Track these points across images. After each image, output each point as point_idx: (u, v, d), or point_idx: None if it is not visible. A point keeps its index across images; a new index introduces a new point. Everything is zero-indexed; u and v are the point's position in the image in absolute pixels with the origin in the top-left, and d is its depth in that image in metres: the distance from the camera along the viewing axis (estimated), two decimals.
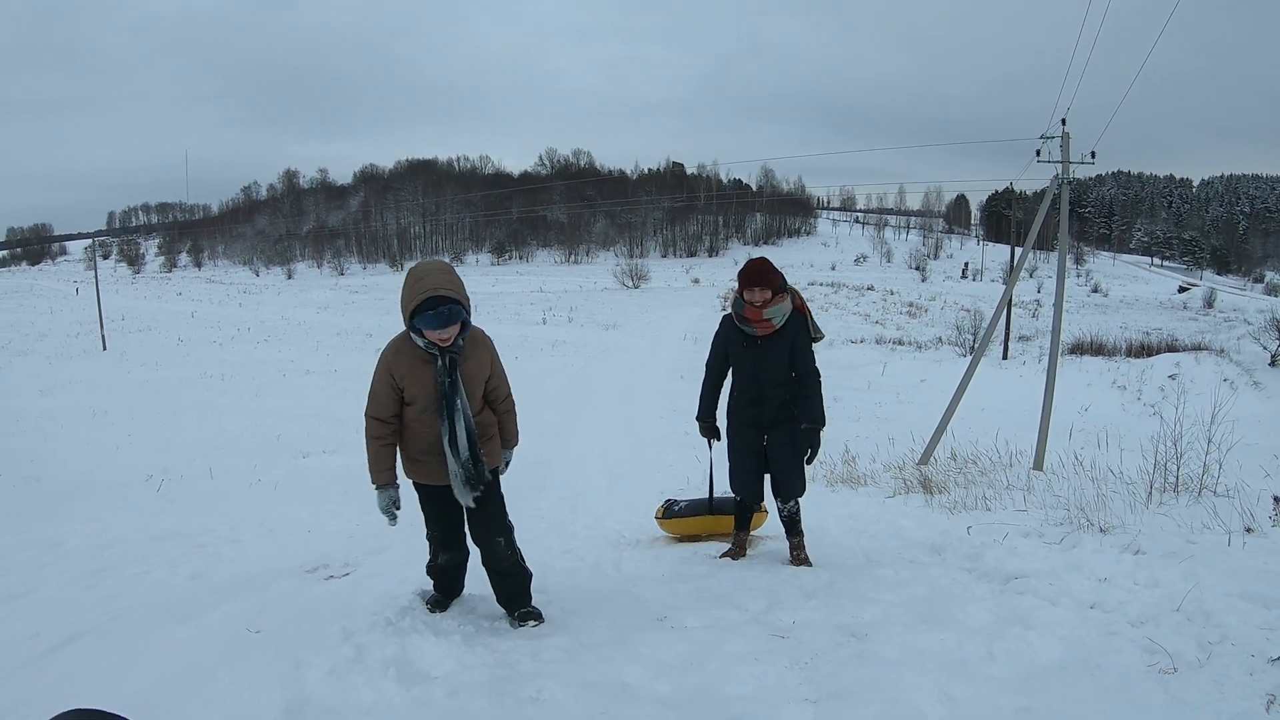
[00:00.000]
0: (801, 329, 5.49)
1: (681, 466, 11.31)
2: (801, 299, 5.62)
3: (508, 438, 4.68)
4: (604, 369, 28.80)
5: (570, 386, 24.39)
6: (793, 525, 5.79)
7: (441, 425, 4.22)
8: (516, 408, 4.70)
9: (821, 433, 5.52)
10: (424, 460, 4.38)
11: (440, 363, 4.17)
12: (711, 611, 4.42)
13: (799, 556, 5.74)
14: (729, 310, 5.70)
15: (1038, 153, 15.45)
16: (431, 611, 4.53)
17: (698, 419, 5.86)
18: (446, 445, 4.23)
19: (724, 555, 5.99)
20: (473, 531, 4.50)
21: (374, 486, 4.31)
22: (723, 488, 6.21)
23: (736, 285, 5.56)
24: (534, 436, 14.89)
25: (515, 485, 10.06)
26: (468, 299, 4.16)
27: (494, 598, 4.63)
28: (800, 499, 5.76)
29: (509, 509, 4.57)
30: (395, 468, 4.35)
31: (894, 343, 40.15)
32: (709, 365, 5.77)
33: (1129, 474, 6.72)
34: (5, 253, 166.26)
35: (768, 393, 5.51)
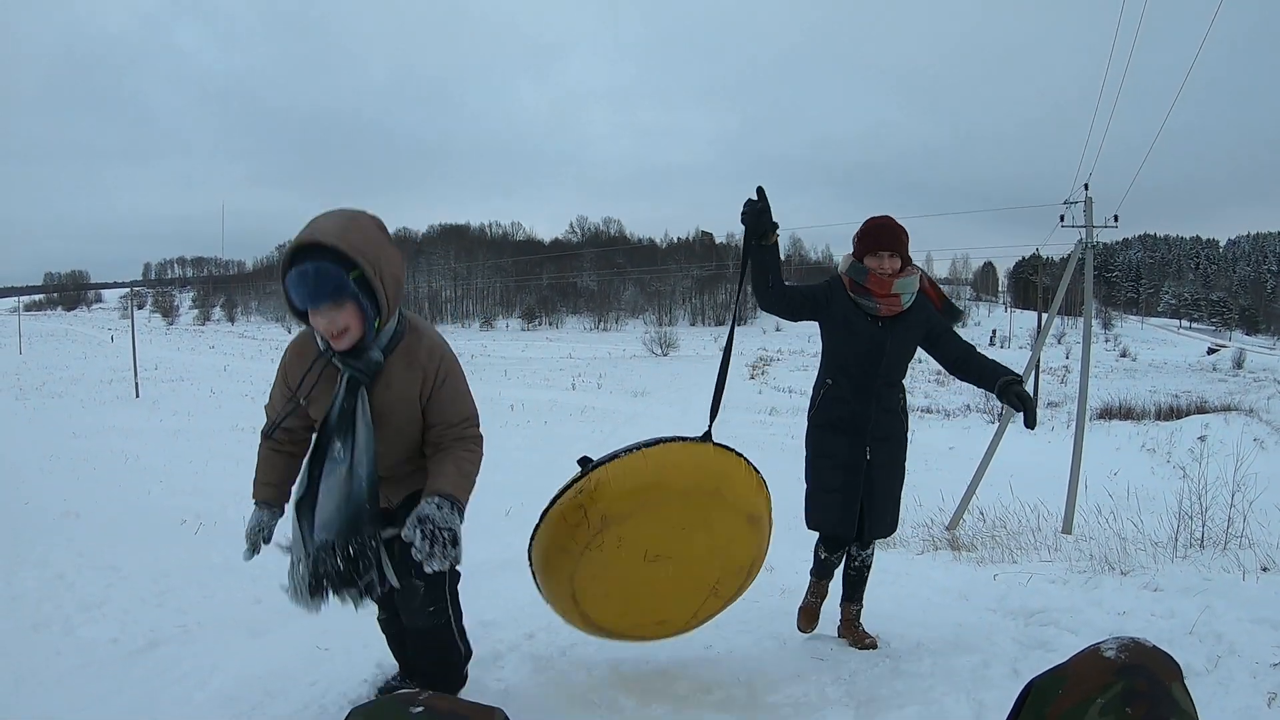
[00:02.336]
0: (933, 313, 4.27)
1: None
2: (929, 279, 4.38)
3: (439, 481, 2.87)
4: (633, 435, 28.65)
5: (598, 452, 24.45)
6: (860, 581, 4.54)
7: (310, 465, 2.97)
8: (482, 450, 3.10)
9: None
10: None
11: (340, 379, 2.88)
12: (753, 639, 4.62)
13: (858, 631, 4.52)
14: (841, 273, 4.28)
15: (1061, 218, 15.73)
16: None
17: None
18: (294, 510, 2.99)
19: (801, 623, 4.59)
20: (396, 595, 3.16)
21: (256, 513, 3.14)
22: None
23: (852, 249, 4.27)
24: None
25: None
26: (381, 263, 2.77)
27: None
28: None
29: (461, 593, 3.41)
30: (288, 486, 3.12)
31: (922, 411, 40.20)
32: (789, 286, 4.21)
33: (1156, 534, 6.84)
34: (42, 296, 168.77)
35: (879, 388, 4.21)
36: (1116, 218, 16.16)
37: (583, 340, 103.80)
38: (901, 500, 4.39)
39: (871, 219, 4.23)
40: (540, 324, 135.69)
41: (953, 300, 4.45)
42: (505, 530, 10.81)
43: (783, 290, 4.10)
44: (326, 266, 2.64)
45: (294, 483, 3.06)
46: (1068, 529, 10.23)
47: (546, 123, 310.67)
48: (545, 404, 37.15)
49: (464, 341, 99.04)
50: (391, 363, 2.90)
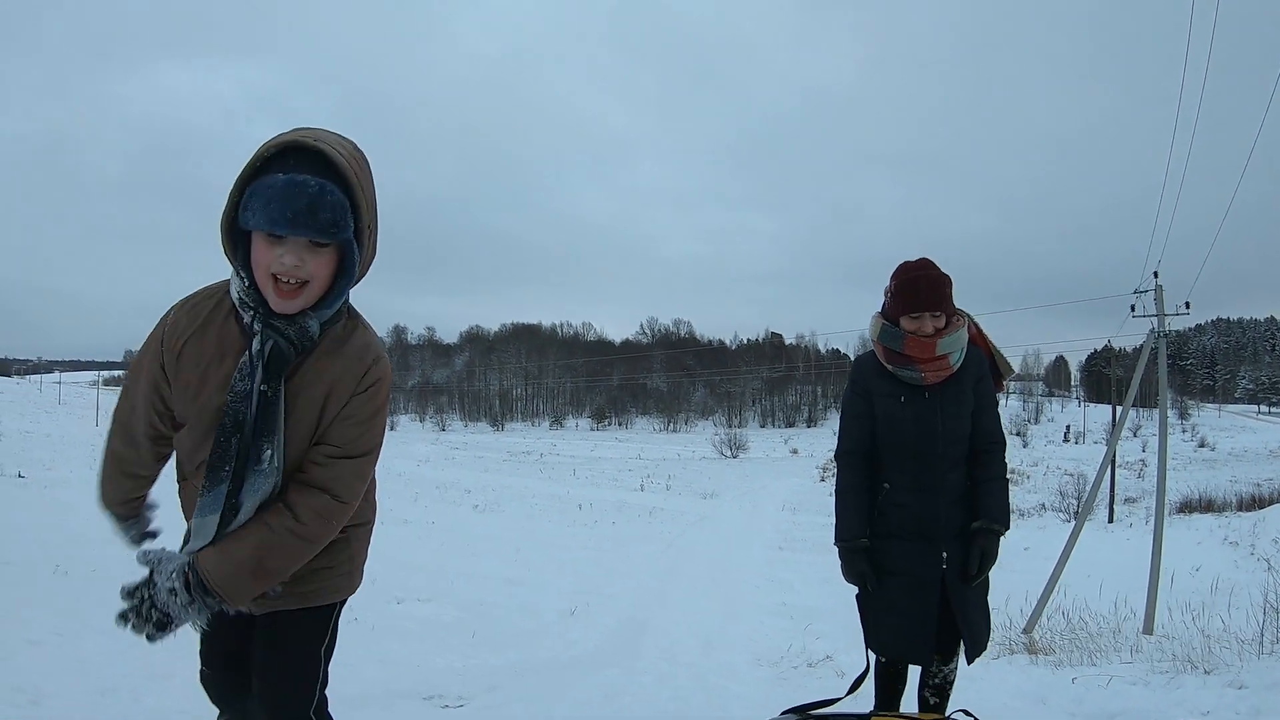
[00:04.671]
0: (985, 372, 3.59)
1: (779, 636, 11.27)
2: (977, 325, 3.68)
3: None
4: (700, 537, 28.64)
5: (666, 553, 24.29)
6: (943, 704, 3.64)
7: (217, 481, 2.08)
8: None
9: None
10: None
11: (254, 348, 2.07)
12: None
13: None
14: (871, 345, 3.67)
15: (1132, 308, 15.53)
16: None
17: (840, 541, 3.51)
18: (196, 515, 2.11)
19: None
20: (255, 677, 2.43)
21: (112, 524, 2.45)
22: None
23: (886, 303, 3.62)
24: (630, 600, 15.06)
25: (608, 645, 10.17)
26: (375, 218, 2.16)
27: None
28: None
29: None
30: (145, 498, 2.46)
31: None
32: (848, 448, 3.59)
33: (1242, 630, 6.62)
34: (121, 372, 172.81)
35: (943, 475, 3.45)
36: (1188, 304, 15.92)
37: (652, 441, 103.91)
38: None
39: (905, 269, 3.55)
40: (610, 424, 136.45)
41: (1005, 357, 3.78)
42: (569, 628, 10.78)
43: (868, 480, 3.56)
44: (334, 190, 1.98)
45: (145, 505, 2.46)
46: (1149, 628, 9.90)
47: (615, 224, 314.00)
48: (613, 504, 36.99)
49: (534, 440, 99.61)
50: (320, 348, 2.16)
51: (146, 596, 2.07)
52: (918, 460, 3.46)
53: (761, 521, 33.44)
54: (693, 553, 24.71)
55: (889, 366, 3.51)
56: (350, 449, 2.19)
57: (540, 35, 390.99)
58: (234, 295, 2.11)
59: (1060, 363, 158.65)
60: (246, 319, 2.08)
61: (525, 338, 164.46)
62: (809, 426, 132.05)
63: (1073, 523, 18.95)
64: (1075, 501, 36.22)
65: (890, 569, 3.48)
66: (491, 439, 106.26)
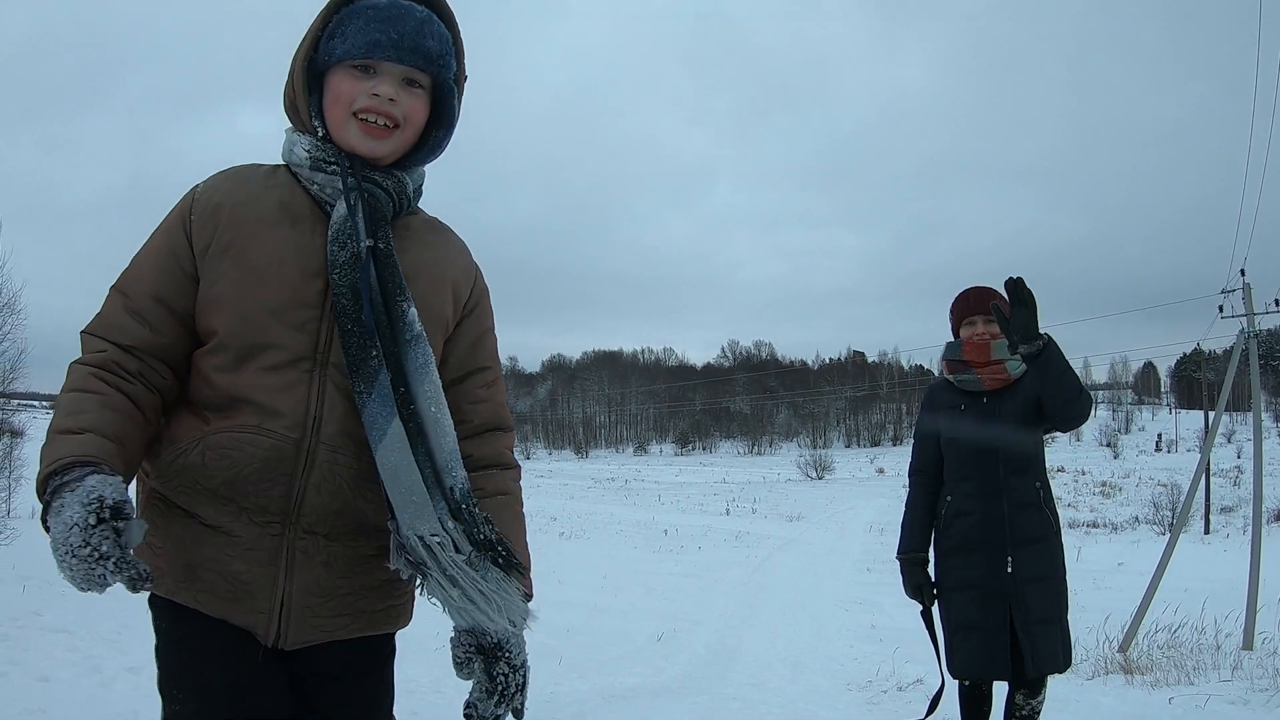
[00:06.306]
0: None
1: (868, 660, 11.16)
2: None
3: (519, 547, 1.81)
4: (787, 560, 28.43)
5: (753, 577, 24.16)
6: None
7: (371, 375, 1.53)
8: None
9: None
10: (214, 527, 1.54)
11: (341, 210, 1.59)
12: None
13: None
14: (939, 373, 3.89)
15: (1220, 308, 15.07)
16: None
17: (899, 554, 3.75)
18: (389, 458, 1.52)
19: None
20: None
21: (43, 485, 1.33)
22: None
23: (951, 322, 3.77)
24: (718, 625, 15.10)
25: (696, 671, 10.18)
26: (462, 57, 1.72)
27: None
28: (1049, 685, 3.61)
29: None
30: (134, 452, 1.49)
31: (1088, 526, 38.48)
32: (917, 466, 3.79)
33: None
34: None
35: (1006, 479, 3.46)
36: (1278, 301, 15.40)
37: (736, 464, 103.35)
38: (1068, 625, 3.55)
39: (962, 290, 3.75)
40: (694, 448, 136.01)
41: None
42: (656, 655, 10.79)
43: (933, 499, 3.70)
44: (439, 22, 1.65)
45: (139, 453, 1.54)
46: (1248, 644, 9.59)
47: (694, 248, 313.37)
48: (699, 529, 36.86)
49: (618, 466, 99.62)
50: (413, 222, 1.76)
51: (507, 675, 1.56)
52: (979, 464, 3.53)
53: (849, 543, 33.09)
54: (780, 576, 24.57)
55: (951, 377, 3.68)
56: (502, 414, 1.84)
57: (614, 64, 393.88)
58: (300, 155, 1.65)
59: (1149, 369, 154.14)
60: (319, 181, 1.63)
61: (607, 364, 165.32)
62: (894, 445, 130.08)
63: (1167, 535, 18.45)
64: (1169, 513, 35.30)
65: (958, 584, 3.56)
66: (576, 466, 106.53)
